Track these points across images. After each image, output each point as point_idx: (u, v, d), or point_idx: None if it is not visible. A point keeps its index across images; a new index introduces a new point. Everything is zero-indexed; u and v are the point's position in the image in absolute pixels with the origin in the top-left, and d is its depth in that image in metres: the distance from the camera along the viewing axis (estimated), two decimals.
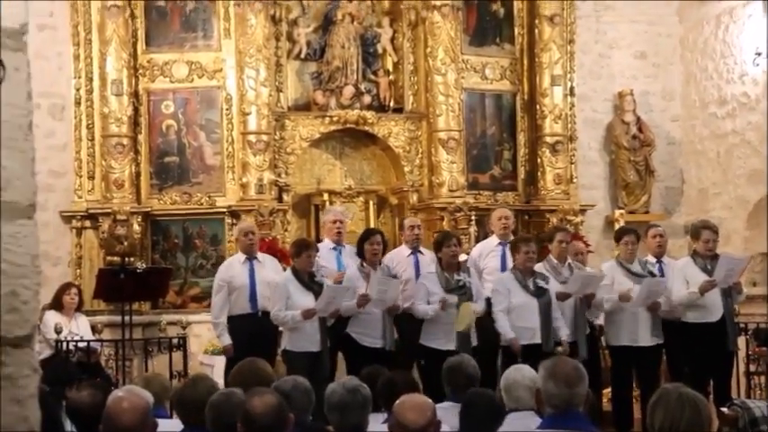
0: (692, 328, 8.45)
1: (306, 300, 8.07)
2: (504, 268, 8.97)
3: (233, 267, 8.78)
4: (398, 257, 9.10)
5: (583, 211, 11.87)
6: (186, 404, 4.54)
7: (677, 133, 13.01)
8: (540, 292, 8.20)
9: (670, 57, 13.02)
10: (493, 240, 9.42)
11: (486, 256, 9.23)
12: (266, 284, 8.60)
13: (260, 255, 8.92)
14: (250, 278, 8.65)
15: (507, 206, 10.69)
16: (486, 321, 8.41)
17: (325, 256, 8.88)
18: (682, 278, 8.52)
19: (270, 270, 8.80)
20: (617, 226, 11.35)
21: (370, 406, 4.35)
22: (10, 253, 2.14)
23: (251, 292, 8.62)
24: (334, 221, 9.10)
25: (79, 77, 10.96)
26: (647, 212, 12.60)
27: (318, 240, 10.04)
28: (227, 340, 8.58)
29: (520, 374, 4.94)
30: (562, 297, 8.34)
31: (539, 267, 8.44)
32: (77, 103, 10.98)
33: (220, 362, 9.11)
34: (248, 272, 8.68)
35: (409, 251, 9.09)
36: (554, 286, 8.33)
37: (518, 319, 8.15)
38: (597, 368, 8.63)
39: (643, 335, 8.49)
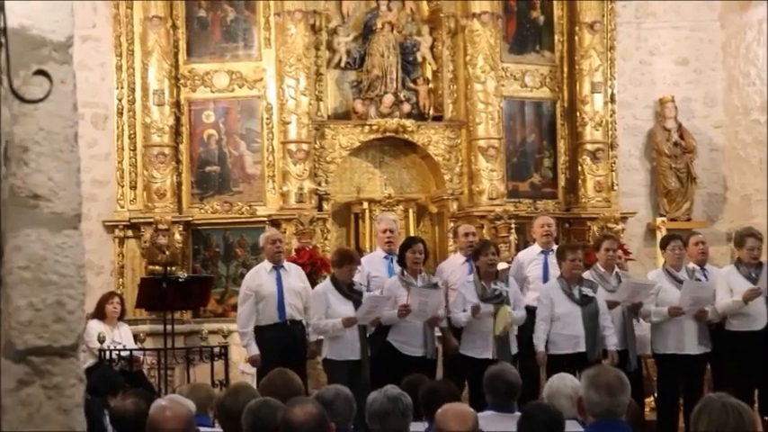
0: (737, 337, 8.36)
1: (345, 309, 8.05)
2: (546, 276, 8.91)
3: (260, 276, 8.65)
4: (453, 265, 9.04)
5: (624, 219, 11.77)
6: (228, 413, 4.56)
7: (719, 140, 12.88)
8: (584, 301, 8.13)
9: (712, 63, 12.89)
10: (535, 249, 9.36)
11: (529, 264, 9.17)
12: (293, 293, 8.54)
13: (286, 263, 8.84)
14: (278, 287, 8.53)
15: (548, 214, 10.62)
16: (527, 330, 8.38)
17: (376, 264, 8.84)
18: (725, 286, 8.42)
19: (296, 278, 8.71)
20: (658, 233, 11.25)
21: (411, 414, 4.34)
22: (56, 263, 2.16)
23: (279, 300, 8.50)
24: (385, 231, 9.01)
25: (121, 88, 11.05)
26: (688, 220, 12.47)
27: (359, 249, 10.04)
28: (254, 350, 8.46)
29: (562, 383, 4.93)
30: (610, 305, 8.25)
31: (585, 275, 8.35)
32: (120, 113, 11.06)
33: None
34: (276, 280, 8.56)
35: (464, 259, 8.97)
36: (601, 295, 8.23)
37: (562, 328, 8.10)
38: (640, 376, 8.54)
39: (690, 343, 8.39)
